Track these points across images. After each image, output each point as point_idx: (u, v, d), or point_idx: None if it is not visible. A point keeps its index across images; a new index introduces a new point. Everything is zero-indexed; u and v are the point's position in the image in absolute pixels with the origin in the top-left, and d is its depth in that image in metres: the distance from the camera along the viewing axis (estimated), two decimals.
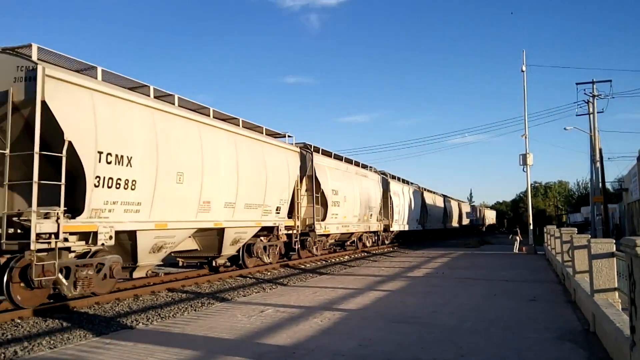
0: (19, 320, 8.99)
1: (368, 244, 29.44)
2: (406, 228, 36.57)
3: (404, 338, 7.19)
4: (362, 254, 26.54)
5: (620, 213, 50.88)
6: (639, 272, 4.27)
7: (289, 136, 19.43)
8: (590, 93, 36.33)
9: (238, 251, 16.29)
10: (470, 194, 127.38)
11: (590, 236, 9.68)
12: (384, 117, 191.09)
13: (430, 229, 46.04)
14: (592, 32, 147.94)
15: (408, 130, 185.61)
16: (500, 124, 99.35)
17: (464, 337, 7.26)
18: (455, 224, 61.41)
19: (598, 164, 35.93)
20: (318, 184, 20.79)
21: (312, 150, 21.18)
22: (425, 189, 45.30)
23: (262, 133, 17.49)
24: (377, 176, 30.80)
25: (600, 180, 36.34)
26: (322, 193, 21.10)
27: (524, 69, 29.02)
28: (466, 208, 75.74)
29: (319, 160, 21.41)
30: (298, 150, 19.77)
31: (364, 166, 29.20)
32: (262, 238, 17.56)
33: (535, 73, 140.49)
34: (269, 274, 16.74)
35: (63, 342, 7.54)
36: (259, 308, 9.76)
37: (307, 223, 20.42)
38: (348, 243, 27.39)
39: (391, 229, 32.76)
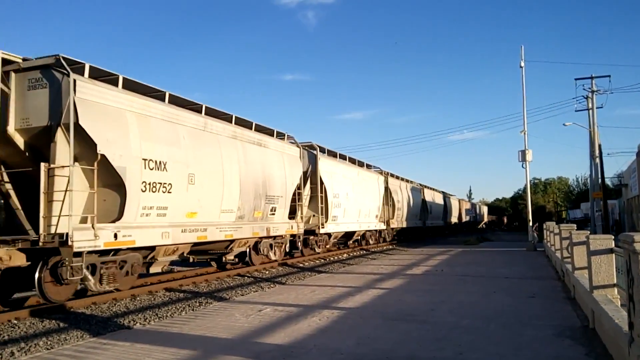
0: (15, 321, 8.95)
1: (274, 256, 18.32)
2: (355, 228, 26.64)
3: (402, 336, 7.16)
4: (361, 252, 26.44)
5: (620, 209, 50.88)
6: (637, 268, 4.24)
7: None
8: (589, 89, 36.28)
9: None
10: (470, 190, 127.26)
11: (589, 232, 9.65)
12: (382, 114, 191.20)
13: (402, 228, 36.99)
14: (591, 27, 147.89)
15: (406, 127, 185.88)
16: (499, 120, 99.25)
17: (463, 334, 7.23)
18: (438, 220, 52.15)
19: (597, 160, 35.87)
20: (92, 145, 10.10)
21: (70, 71, 9.81)
22: (390, 174, 34.50)
23: None
24: (295, 149, 19.92)
25: (599, 176, 36.29)
26: (108, 165, 10.39)
27: (522, 64, 28.97)
28: (465, 205, 75.04)
29: (96, 95, 10.45)
30: None
31: (263, 129, 17.64)
32: None
33: (534, 69, 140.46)
34: (267, 272, 16.70)
35: (60, 343, 7.52)
36: (257, 307, 9.72)
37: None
38: (229, 257, 16.55)
39: (322, 230, 21.72)
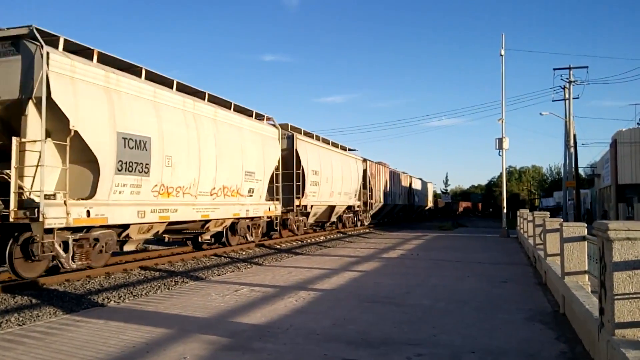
0: None
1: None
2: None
3: (377, 318, 7.22)
4: (338, 235, 26.55)
5: (592, 198, 52.05)
6: (609, 256, 4.32)
7: None
8: (567, 79, 36.74)
9: None
10: (446, 177, 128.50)
11: (562, 220, 9.82)
12: (362, 99, 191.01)
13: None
14: (572, 18, 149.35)
15: (385, 112, 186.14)
16: (478, 107, 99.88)
17: (437, 317, 7.33)
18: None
19: (572, 150, 36.49)
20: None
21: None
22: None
23: None
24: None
25: (573, 166, 36.96)
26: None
27: (502, 52, 29.11)
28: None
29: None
30: None
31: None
32: None
33: (514, 58, 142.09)
34: (244, 253, 16.67)
35: (32, 319, 7.41)
36: (233, 287, 9.70)
37: None
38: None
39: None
